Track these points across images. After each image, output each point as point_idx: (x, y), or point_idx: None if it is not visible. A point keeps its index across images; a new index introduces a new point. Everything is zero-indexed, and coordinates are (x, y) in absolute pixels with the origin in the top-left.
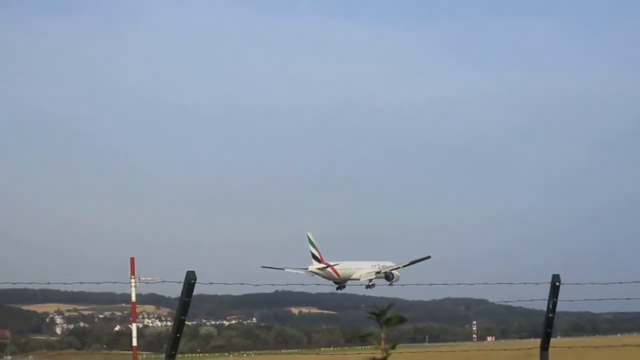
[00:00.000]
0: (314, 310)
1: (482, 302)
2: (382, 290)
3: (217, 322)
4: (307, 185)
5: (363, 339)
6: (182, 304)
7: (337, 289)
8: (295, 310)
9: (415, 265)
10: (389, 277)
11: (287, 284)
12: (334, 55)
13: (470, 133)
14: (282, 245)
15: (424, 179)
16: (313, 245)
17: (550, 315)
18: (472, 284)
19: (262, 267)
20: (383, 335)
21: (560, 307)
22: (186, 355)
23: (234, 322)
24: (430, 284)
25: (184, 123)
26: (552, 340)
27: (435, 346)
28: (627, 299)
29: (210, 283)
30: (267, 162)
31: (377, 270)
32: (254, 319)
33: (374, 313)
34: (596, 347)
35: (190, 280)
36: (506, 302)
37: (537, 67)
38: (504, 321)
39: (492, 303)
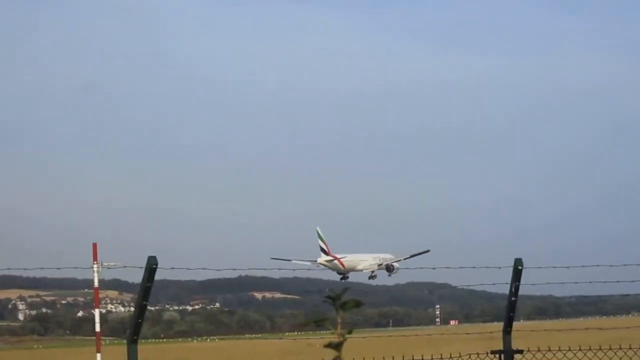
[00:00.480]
0: (278, 295)
1: (445, 286)
2: (351, 276)
3: (181, 308)
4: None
5: (318, 324)
6: (144, 289)
7: (341, 279)
8: (258, 295)
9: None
10: (389, 268)
11: (249, 269)
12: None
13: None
14: (255, 229)
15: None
16: (322, 240)
17: (512, 299)
18: (434, 268)
19: (272, 258)
20: (339, 320)
21: (524, 291)
22: (149, 340)
23: (197, 307)
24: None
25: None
26: (516, 324)
27: (399, 330)
28: (589, 282)
29: (172, 268)
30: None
31: (379, 262)
32: (217, 304)
33: (330, 297)
34: (559, 330)
35: (151, 265)
36: (468, 286)
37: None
38: (467, 305)
39: (455, 287)
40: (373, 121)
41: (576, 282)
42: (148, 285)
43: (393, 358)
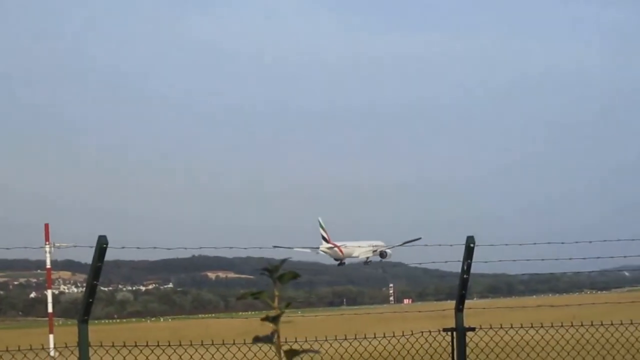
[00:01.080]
0: (231, 274)
1: (399, 264)
2: (303, 255)
3: (134, 288)
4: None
5: (255, 297)
6: (94, 268)
7: (339, 265)
8: (212, 275)
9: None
10: (383, 254)
11: (200, 248)
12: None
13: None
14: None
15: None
16: (323, 229)
17: (465, 276)
18: (388, 247)
19: (274, 246)
20: (277, 293)
21: (478, 269)
22: (103, 321)
23: (150, 287)
24: (343, 244)
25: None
26: (469, 302)
27: (353, 309)
28: (542, 259)
29: (123, 247)
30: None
31: (374, 249)
32: (171, 284)
33: (267, 270)
34: (511, 307)
35: (102, 245)
36: (421, 264)
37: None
38: (420, 284)
39: (409, 266)
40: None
41: (528, 260)
42: (98, 265)
43: (346, 336)
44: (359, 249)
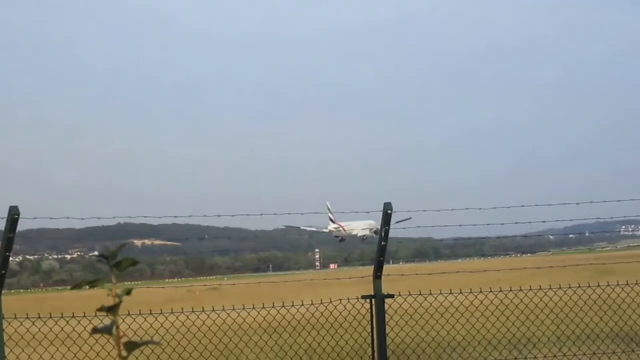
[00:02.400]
0: (158, 241)
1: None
2: (225, 221)
3: (59, 256)
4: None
5: (92, 285)
6: (6, 239)
7: (340, 241)
8: (138, 242)
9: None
10: (377, 232)
11: (113, 217)
12: None
13: None
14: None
15: None
16: (330, 212)
17: (382, 243)
18: (314, 213)
19: (285, 226)
20: (114, 281)
21: (405, 233)
22: (29, 290)
23: (75, 255)
24: (274, 214)
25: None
26: (394, 266)
27: (279, 274)
28: (460, 225)
29: (35, 218)
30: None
31: (370, 228)
32: (96, 252)
33: (103, 256)
34: (430, 274)
35: (13, 215)
36: (304, 227)
37: None
38: (346, 249)
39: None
40: None
41: (446, 225)
42: (10, 235)
43: (263, 305)
44: (357, 229)
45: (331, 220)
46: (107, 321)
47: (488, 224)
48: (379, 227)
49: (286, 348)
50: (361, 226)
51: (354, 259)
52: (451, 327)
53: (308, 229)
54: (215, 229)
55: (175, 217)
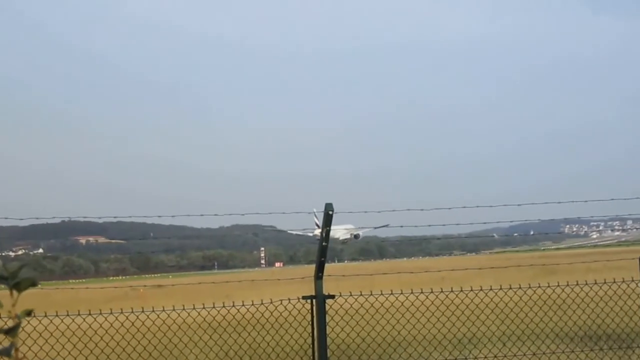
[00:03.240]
0: (102, 239)
1: (271, 228)
2: (180, 221)
3: (3, 254)
4: None
5: None
6: None
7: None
8: (82, 240)
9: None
10: (357, 236)
11: (68, 218)
12: None
13: None
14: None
15: None
16: (316, 217)
17: (323, 244)
18: (360, 230)
19: (270, 227)
20: (13, 303)
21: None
22: None
23: (20, 253)
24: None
25: None
26: (339, 265)
27: (224, 273)
28: (416, 226)
29: None
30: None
31: (350, 232)
32: (41, 249)
33: (2, 277)
34: (370, 274)
35: None
36: (291, 230)
37: None
38: (292, 247)
39: (279, 229)
40: None
41: (388, 226)
42: None
43: (204, 305)
44: (339, 232)
45: (317, 225)
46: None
47: (429, 225)
48: (357, 231)
49: (226, 348)
50: (342, 230)
51: (299, 257)
52: (392, 327)
53: (294, 232)
54: (159, 227)
55: (115, 217)
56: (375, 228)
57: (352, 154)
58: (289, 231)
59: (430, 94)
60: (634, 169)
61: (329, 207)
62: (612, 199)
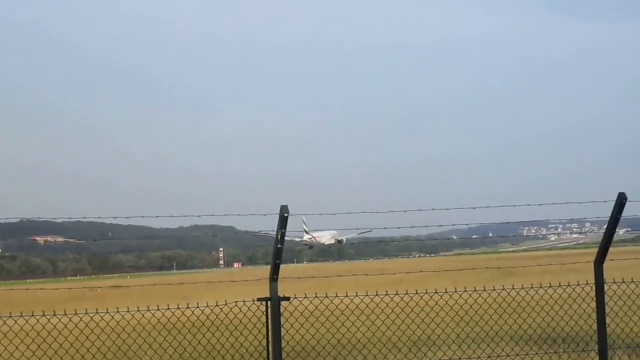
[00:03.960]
0: (60, 239)
1: (229, 229)
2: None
3: None
4: None
5: None
6: None
7: (309, 248)
8: (40, 240)
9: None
10: (340, 241)
11: (24, 218)
12: None
13: None
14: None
15: None
16: (305, 224)
17: (278, 246)
18: (343, 236)
19: (262, 232)
20: None
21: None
22: None
23: None
24: (172, 215)
25: None
26: (296, 267)
27: (182, 273)
28: (357, 229)
29: None
30: None
31: (335, 237)
32: None
33: None
34: (327, 277)
35: None
36: (248, 231)
37: None
38: (250, 248)
39: (238, 229)
40: None
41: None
42: None
43: (158, 307)
44: (324, 237)
45: (305, 232)
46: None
47: (385, 228)
48: (341, 236)
49: (181, 350)
50: (327, 236)
51: (258, 257)
52: (347, 329)
53: (287, 238)
54: (118, 227)
55: (77, 218)
56: (360, 234)
57: (313, 155)
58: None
59: (392, 96)
60: (613, 171)
61: (284, 210)
62: (567, 203)
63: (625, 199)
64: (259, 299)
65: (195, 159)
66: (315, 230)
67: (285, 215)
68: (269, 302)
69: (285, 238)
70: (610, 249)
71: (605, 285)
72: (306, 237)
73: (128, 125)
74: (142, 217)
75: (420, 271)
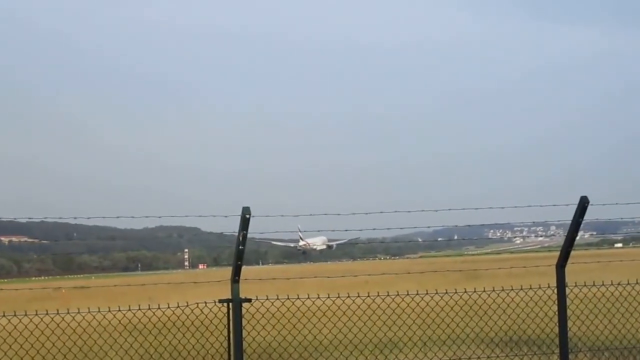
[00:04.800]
0: (25, 239)
1: (194, 230)
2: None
3: None
4: None
5: None
6: None
7: (302, 254)
8: (5, 239)
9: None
10: (330, 247)
11: None
12: None
13: None
14: None
15: None
16: (300, 232)
17: (240, 247)
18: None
19: (259, 239)
20: None
21: (276, 235)
22: None
23: None
24: (142, 216)
25: None
26: (263, 268)
27: (147, 274)
28: (319, 231)
29: None
30: None
31: (327, 242)
32: None
33: None
34: (287, 278)
35: None
36: (211, 232)
37: None
38: (215, 249)
39: (203, 230)
40: None
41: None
42: None
43: (119, 308)
44: (317, 243)
45: (301, 238)
46: None
47: (346, 230)
48: (331, 242)
49: (143, 351)
50: (319, 241)
51: (223, 259)
52: (308, 331)
53: (279, 243)
54: (82, 227)
55: (31, 218)
56: (349, 240)
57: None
58: (273, 242)
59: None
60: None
61: (245, 211)
62: (529, 206)
63: (588, 202)
64: (220, 301)
65: (164, 155)
66: (309, 237)
67: (247, 216)
68: (230, 304)
69: (281, 244)
70: (576, 253)
71: (567, 288)
72: (301, 243)
73: (99, 116)
74: (103, 217)
75: (382, 273)
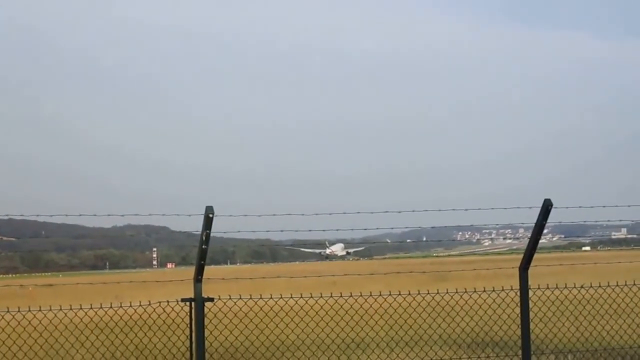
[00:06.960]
0: None
1: (163, 229)
2: (72, 219)
3: None
4: None
5: None
6: None
7: (326, 258)
8: None
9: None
10: (349, 253)
11: None
12: None
13: None
14: None
15: None
16: (328, 241)
17: (203, 247)
18: (150, 215)
19: (286, 246)
20: None
21: (243, 235)
22: None
23: None
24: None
25: None
26: (230, 267)
27: (115, 273)
28: (281, 231)
29: None
30: None
31: (346, 249)
32: None
33: None
34: (251, 278)
35: None
36: (180, 231)
37: None
38: (184, 248)
39: (172, 229)
40: None
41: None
42: None
43: (81, 306)
44: (338, 250)
45: (327, 246)
46: None
47: (324, 230)
48: (349, 248)
49: (113, 349)
50: (340, 248)
51: (192, 258)
52: (273, 331)
53: (310, 250)
54: (50, 225)
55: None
56: (364, 248)
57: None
58: (302, 249)
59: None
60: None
61: (209, 210)
62: (492, 208)
63: (551, 205)
64: (182, 300)
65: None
66: (333, 244)
67: (210, 216)
68: (192, 303)
69: (307, 250)
70: (543, 256)
71: (531, 291)
72: (328, 250)
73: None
74: (66, 215)
75: (345, 274)
